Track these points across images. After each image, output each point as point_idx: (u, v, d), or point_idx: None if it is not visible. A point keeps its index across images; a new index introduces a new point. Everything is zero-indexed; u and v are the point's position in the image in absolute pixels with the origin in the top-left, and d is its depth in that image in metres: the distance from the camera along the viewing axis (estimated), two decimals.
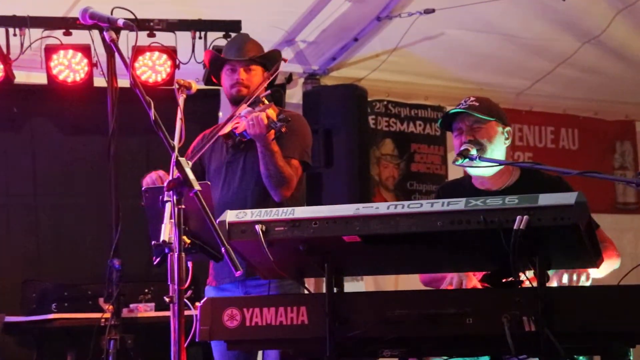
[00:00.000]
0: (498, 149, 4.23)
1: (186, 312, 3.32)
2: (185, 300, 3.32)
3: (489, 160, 4.09)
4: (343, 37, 7.18)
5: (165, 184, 3.38)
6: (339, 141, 7.12)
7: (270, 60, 5.03)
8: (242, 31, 6.26)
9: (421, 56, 7.49)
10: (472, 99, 4.24)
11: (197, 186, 3.35)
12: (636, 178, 3.58)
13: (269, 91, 4.90)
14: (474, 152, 4.07)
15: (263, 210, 3.48)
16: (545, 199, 3.20)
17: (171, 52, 6.40)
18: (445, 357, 3.59)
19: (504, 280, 3.47)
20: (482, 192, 4.23)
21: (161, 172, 4.55)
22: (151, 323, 6.21)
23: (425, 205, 3.31)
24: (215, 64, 5.08)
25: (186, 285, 3.33)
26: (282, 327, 3.48)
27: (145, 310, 6.33)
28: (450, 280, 4.03)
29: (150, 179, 4.59)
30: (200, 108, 6.49)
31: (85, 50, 6.29)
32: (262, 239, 3.40)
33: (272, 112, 4.68)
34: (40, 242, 7.07)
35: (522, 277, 3.43)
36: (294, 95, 7.51)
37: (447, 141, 8.05)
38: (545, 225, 3.18)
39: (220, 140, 4.96)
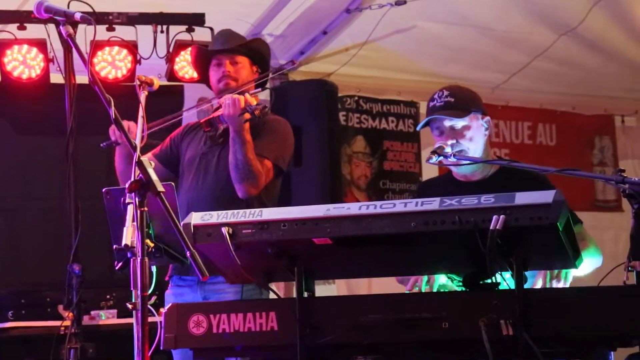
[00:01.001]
0: (478, 142, 4.17)
1: (150, 319, 3.26)
2: (149, 306, 3.27)
3: (464, 158, 4.05)
4: (311, 31, 7.14)
5: (127, 187, 3.29)
6: (309, 139, 7.01)
7: (256, 51, 5.02)
8: (206, 25, 6.26)
9: (393, 50, 7.46)
10: (446, 93, 4.16)
11: (160, 187, 3.29)
12: (616, 175, 3.50)
13: (259, 89, 4.93)
14: (448, 149, 4.02)
15: (230, 212, 3.47)
16: (522, 198, 3.21)
17: (132, 47, 6.35)
18: None
19: (481, 282, 3.45)
20: (462, 184, 4.21)
21: (132, 123, 4.41)
22: (113, 331, 6.14)
23: (399, 206, 3.32)
24: (201, 61, 5.06)
25: (150, 291, 3.28)
26: (251, 333, 3.47)
27: (107, 317, 6.25)
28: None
29: (113, 132, 4.60)
30: (162, 105, 6.26)
31: (41, 45, 6.20)
32: (229, 242, 3.40)
33: (251, 98, 4.66)
34: None
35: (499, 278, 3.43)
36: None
37: (421, 138, 8.03)
38: (522, 225, 3.18)
39: (201, 132, 4.94)
